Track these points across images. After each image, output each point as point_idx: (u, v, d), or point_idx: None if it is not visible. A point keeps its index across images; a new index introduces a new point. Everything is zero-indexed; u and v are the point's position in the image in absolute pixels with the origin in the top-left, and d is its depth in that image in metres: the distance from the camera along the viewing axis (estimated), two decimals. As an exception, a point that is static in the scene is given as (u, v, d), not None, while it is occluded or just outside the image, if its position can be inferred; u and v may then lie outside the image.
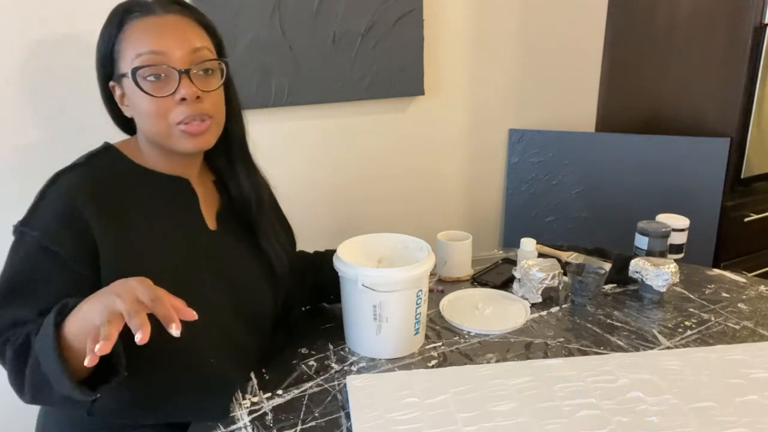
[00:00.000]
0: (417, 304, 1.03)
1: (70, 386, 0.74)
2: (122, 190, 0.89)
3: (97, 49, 0.90)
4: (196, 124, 0.87)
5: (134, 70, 0.84)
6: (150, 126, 0.88)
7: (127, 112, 0.91)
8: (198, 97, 0.86)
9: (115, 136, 0.99)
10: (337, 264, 1.03)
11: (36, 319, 0.80)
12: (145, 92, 0.85)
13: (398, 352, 1.05)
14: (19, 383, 0.80)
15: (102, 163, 0.90)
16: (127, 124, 0.97)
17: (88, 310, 0.72)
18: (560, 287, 1.24)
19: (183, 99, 0.85)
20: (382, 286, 0.99)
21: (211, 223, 0.99)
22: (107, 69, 0.89)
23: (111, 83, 0.90)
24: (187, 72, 0.86)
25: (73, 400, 0.76)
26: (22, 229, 0.83)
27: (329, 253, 1.19)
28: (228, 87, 0.96)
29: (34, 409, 1.03)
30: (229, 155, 1.01)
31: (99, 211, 0.84)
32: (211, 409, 0.91)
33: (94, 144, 0.94)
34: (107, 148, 0.92)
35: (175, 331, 0.68)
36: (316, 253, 1.22)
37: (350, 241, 1.11)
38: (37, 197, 0.85)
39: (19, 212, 0.87)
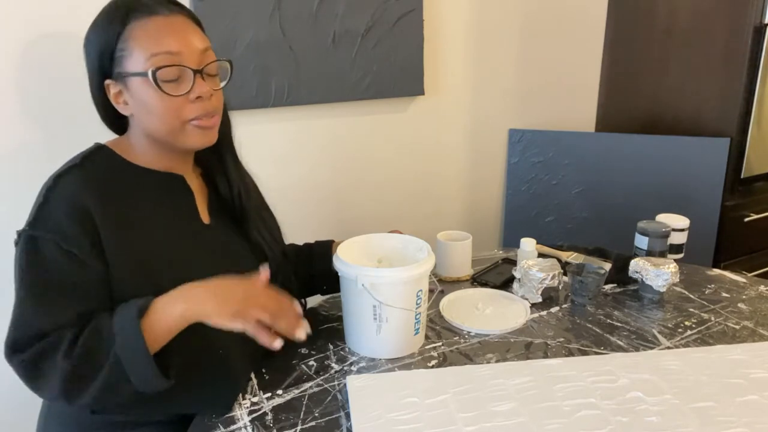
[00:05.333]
0: (417, 304, 1.03)
1: (160, 380, 0.81)
2: (119, 188, 0.89)
3: (92, 47, 0.89)
4: (207, 119, 0.91)
5: (155, 70, 0.85)
6: (160, 124, 0.89)
7: (125, 111, 0.91)
8: (211, 95, 0.90)
9: (111, 136, 0.98)
10: (337, 264, 1.03)
11: (71, 323, 0.81)
12: (164, 92, 0.86)
13: (398, 352, 1.05)
14: (79, 387, 0.80)
15: (96, 163, 0.90)
16: (115, 123, 0.96)
17: (196, 309, 0.82)
18: (560, 287, 1.24)
19: (198, 97, 0.88)
20: (382, 286, 0.99)
21: (205, 217, 1.00)
22: (105, 67, 0.89)
23: (107, 81, 0.89)
24: (200, 71, 0.88)
25: (142, 394, 0.82)
26: (33, 233, 0.82)
27: (318, 244, 1.20)
28: None
29: (35, 411, 1.03)
30: (218, 150, 1.02)
31: (102, 209, 0.85)
32: (219, 401, 0.92)
33: (90, 144, 0.94)
34: (100, 148, 0.92)
35: (302, 334, 0.87)
36: (306, 244, 1.23)
37: (350, 241, 1.11)
38: (40, 201, 0.84)
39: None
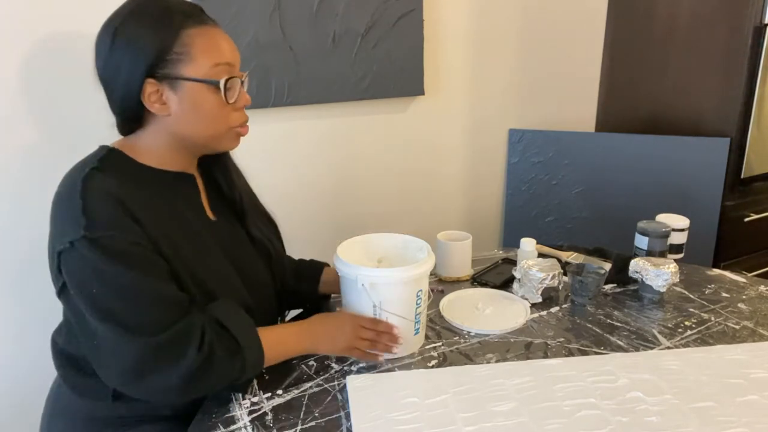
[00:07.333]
0: (417, 304, 1.03)
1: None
2: (138, 188, 0.89)
3: (136, 45, 0.86)
4: (246, 127, 0.98)
5: (226, 81, 0.89)
6: (207, 128, 0.92)
7: (161, 111, 0.89)
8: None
9: (110, 136, 0.97)
10: (337, 264, 1.03)
11: (187, 307, 0.87)
12: (227, 101, 0.91)
13: (398, 353, 1.05)
14: (196, 384, 0.86)
15: (113, 164, 0.90)
16: (128, 122, 0.94)
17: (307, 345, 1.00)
18: (560, 287, 1.24)
19: (244, 105, 0.95)
20: (381, 286, 0.99)
21: (210, 215, 1.01)
22: (152, 66, 0.86)
23: (149, 80, 0.87)
24: (242, 82, 0.94)
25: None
26: (92, 236, 0.80)
27: (311, 266, 1.22)
28: None
29: (38, 410, 1.03)
30: (221, 154, 1.05)
31: (134, 205, 0.85)
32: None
33: (93, 144, 0.94)
34: (111, 150, 0.92)
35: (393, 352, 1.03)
36: (300, 260, 1.24)
37: (350, 241, 1.11)
38: (80, 204, 0.82)
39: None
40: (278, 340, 0.97)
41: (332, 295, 1.24)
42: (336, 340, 1.00)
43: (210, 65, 0.88)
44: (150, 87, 0.87)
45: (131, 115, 0.92)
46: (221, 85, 0.89)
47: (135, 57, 0.86)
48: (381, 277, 0.99)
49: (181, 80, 0.87)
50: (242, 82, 0.94)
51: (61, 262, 0.83)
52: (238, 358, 0.89)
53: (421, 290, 1.03)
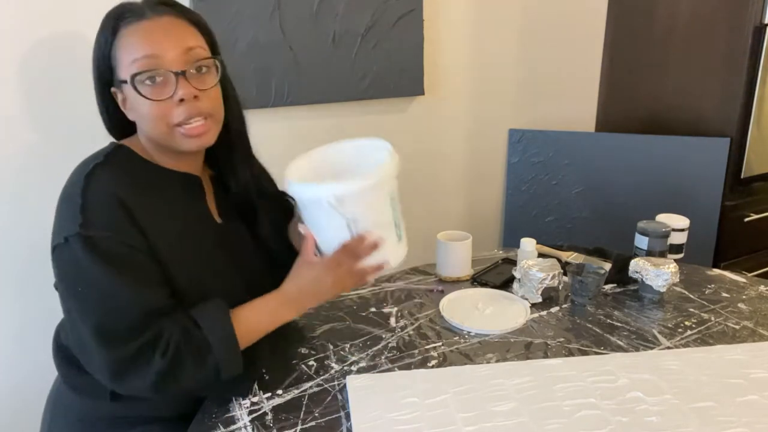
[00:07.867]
0: (392, 208, 0.94)
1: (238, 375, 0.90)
2: (141, 187, 0.89)
3: (93, 57, 0.89)
4: (196, 126, 0.88)
5: (132, 77, 0.84)
6: (151, 129, 0.89)
7: (131, 116, 0.91)
8: (195, 97, 0.87)
9: (109, 136, 0.98)
10: (292, 188, 0.91)
11: (164, 311, 0.84)
12: (145, 97, 0.85)
13: (390, 261, 0.95)
14: (167, 387, 0.84)
15: (119, 160, 0.89)
16: (116, 129, 0.96)
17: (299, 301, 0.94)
18: (560, 287, 1.24)
19: (181, 100, 0.86)
20: (350, 198, 0.88)
21: (216, 217, 1.00)
22: (106, 76, 0.89)
23: (113, 89, 0.90)
24: (182, 73, 0.86)
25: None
26: (87, 234, 0.81)
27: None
28: (225, 83, 0.96)
29: (39, 410, 1.03)
30: (230, 150, 1.02)
31: (134, 204, 0.85)
32: (235, 384, 0.94)
33: (93, 145, 0.94)
34: (120, 147, 0.92)
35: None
36: None
37: (299, 160, 1.01)
38: (79, 202, 0.82)
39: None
40: (257, 320, 0.92)
41: None
42: (318, 294, 0.94)
43: (127, 63, 0.85)
44: (119, 95, 0.90)
45: (114, 123, 0.94)
46: (128, 81, 0.85)
47: (94, 71, 0.90)
48: (348, 188, 0.87)
49: (121, 85, 0.88)
50: (181, 74, 0.85)
51: (54, 256, 0.84)
52: (208, 356, 0.85)
53: (393, 193, 0.94)
